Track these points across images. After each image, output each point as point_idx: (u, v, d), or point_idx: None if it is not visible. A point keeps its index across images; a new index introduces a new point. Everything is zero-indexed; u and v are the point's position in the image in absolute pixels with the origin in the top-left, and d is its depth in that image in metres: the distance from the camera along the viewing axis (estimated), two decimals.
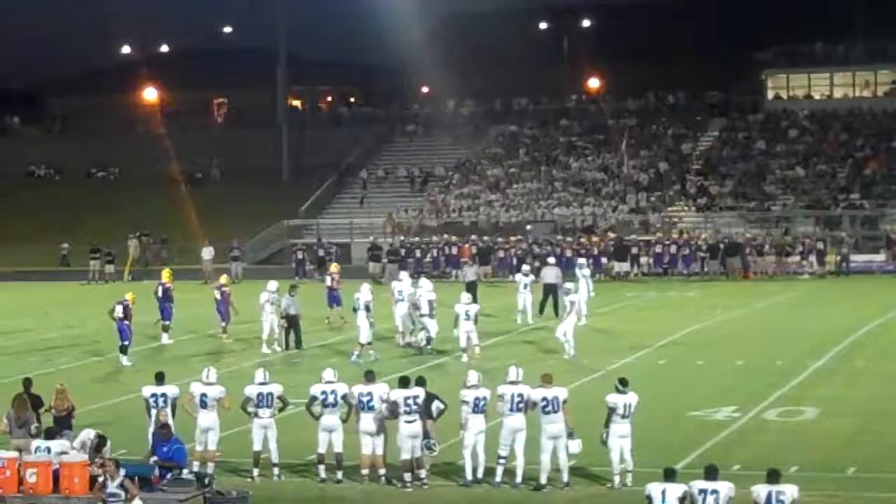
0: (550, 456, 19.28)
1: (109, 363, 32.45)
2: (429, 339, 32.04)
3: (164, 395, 20.63)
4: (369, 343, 31.51)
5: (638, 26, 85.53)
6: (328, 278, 38.85)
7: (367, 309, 31.51)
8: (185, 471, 19.26)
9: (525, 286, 37.36)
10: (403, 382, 20.02)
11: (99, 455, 18.34)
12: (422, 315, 32.05)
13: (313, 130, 78.90)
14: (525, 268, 39.18)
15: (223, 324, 35.79)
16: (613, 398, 19.37)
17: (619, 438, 19.18)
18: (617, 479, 19.24)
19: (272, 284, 34.39)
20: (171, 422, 19.97)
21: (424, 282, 33.36)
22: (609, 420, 19.23)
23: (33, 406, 20.78)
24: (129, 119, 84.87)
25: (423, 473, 19.68)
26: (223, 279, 37.06)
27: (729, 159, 64.90)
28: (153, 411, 20.55)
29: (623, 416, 19.23)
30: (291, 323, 33.33)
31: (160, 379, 20.99)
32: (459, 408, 19.70)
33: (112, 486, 17.38)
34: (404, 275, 35.83)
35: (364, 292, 32.03)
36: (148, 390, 20.82)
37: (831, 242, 52.55)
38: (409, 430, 19.61)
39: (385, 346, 33.12)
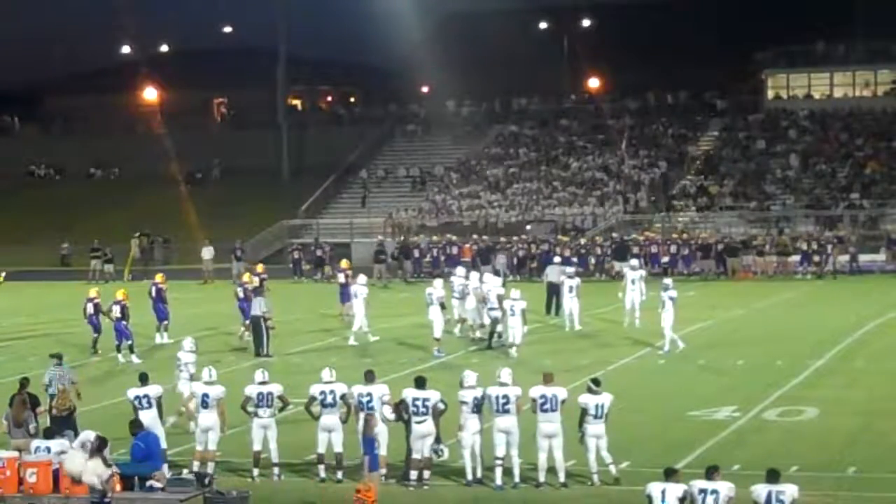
0: (547, 455, 19.31)
1: (109, 363, 32.47)
2: (499, 335, 32.16)
3: (146, 395, 20.61)
4: (437, 339, 31.72)
5: (638, 26, 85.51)
6: (340, 275, 38.94)
7: (442, 305, 31.82)
8: (184, 471, 19.32)
9: (571, 289, 35.37)
10: (419, 383, 20.04)
11: (101, 456, 18.33)
12: (491, 309, 32.18)
13: (313, 130, 78.89)
14: (569, 270, 37.10)
15: (246, 321, 35.55)
16: (585, 398, 19.41)
17: (594, 438, 19.23)
18: (595, 476, 19.30)
19: (362, 278, 34.98)
20: (140, 418, 20.06)
21: (490, 277, 33.58)
22: (582, 420, 19.28)
23: (31, 406, 20.79)
24: (129, 119, 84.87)
25: (426, 474, 19.71)
26: (246, 277, 36.93)
27: (729, 159, 64.92)
28: (140, 413, 20.55)
29: (596, 417, 19.26)
30: (255, 325, 32.57)
31: (144, 380, 20.98)
32: (459, 408, 19.71)
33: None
34: (462, 270, 35.65)
35: (437, 288, 32.29)
36: (132, 392, 20.81)
37: (833, 242, 52.47)
38: (418, 430, 19.64)
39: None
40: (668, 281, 32.69)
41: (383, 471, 19.47)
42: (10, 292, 48.81)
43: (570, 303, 35.41)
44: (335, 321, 38.68)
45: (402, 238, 56.64)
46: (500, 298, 32.22)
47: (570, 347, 32.89)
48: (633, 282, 36.05)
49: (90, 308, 34.00)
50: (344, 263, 40.39)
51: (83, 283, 54.78)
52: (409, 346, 33.61)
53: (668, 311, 31.38)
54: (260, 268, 37.52)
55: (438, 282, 33.24)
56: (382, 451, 19.84)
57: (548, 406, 19.37)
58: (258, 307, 32.63)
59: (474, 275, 34.59)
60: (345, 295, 38.73)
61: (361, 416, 19.86)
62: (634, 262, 39.14)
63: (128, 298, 32.93)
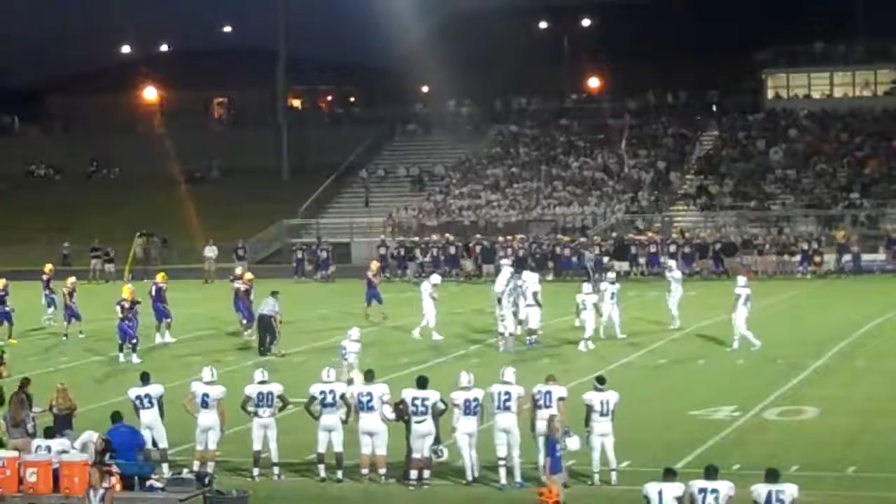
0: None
1: (109, 363, 32.46)
2: (530, 332, 32.41)
3: (147, 395, 20.59)
4: (501, 334, 32.13)
5: (638, 26, 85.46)
6: (368, 275, 38.97)
7: (499, 302, 32.08)
8: (185, 470, 19.33)
9: (612, 296, 33.87)
10: (419, 382, 20.03)
11: (103, 459, 18.33)
12: (528, 305, 32.45)
13: (313, 130, 78.84)
14: (611, 275, 36.03)
15: (244, 321, 35.53)
16: (590, 396, 19.46)
17: (600, 437, 19.24)
18: (596, 476, 19.31)
19: (435, 277, 35.64)
20: (141, 417, 20.34)
21: (529, 274, 33.86)
22: (588, 419, 19.28)
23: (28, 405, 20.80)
24: (129, 119, 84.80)
25: (426, 474, 19.71)
26: (247, 276, 36.92)
27: (729, 159, 64.92)
28: (141, 412, 20.56)
29: (602, 414, 19.26)
30: (263, 324, 32.70)
31: (145, 379, 20.95)
32: (452, 410, 19.73)
33: (95, 499, 17.49)
34: (507, 270, 35.38)
35: (499, 285, 32.55)
36: (133, 392, 20.79)
37: (829, 241, 52.58)
38: (418, 430, 19.66)
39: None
40: (741, 279, 32.68)
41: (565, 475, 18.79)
42: (10, 292, 48.82)
43: (610, 310, 33.98)
44: (336, 321, 38.63)
45: (463, 237, 56.35)
46: (536, 295, 32.52)
47: (571, 347, 32.84)
48: (674, 282, 35.92)
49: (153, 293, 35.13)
50: (374, 265, 40.46)
51: (83, 283, 54.84)
52: (410, 346, 33.60)
53: (740, 309, 31.35)
54: (239, 270, 37.81)
55: (501, 279, 33.33)
56: (382, 450, 19.86)
57: (542, 402, 19.41)
58: (268, 307, 32.72)
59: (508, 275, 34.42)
60: (372, 295, 38.61)
61: (362, 415, 19.87)
62: (672, 263, 38.95)
63: (132, 297, 32.91)
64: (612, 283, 34.56)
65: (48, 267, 40.74)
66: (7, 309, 37.38)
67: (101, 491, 17.34)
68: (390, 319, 38.31)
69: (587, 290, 32.65)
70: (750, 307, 31.71)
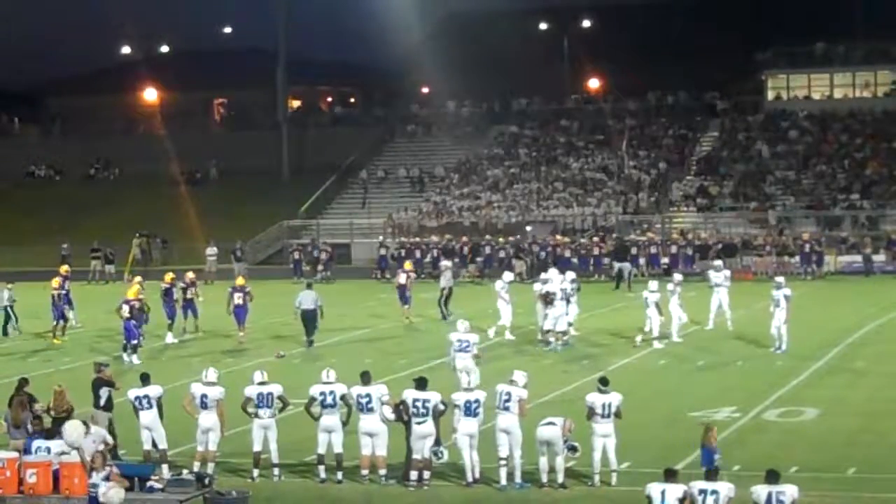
0: (547, 458, 19.33)
1: (111, 363, 32.37)
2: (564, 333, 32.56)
3: (146, 396, 20.60)
4: (559, 331, 32.30)
5: (638, 26, 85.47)
6: (402, 276, 38.90)
7: (567, 300, 32.36)
8: (184, 471, 19.32)
9: (678, 298, 33.24)
10: (419, 384, 20.01)
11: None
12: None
13: (313, 130, 78.83)
14: (678, 276, 34.75)
15: (237, 324, 35.57)
16: (592, 397, 19.48)
17: (601, 438, 19.23)
18: (597, 477, 19.31)
19: (507, 275, 35.52)
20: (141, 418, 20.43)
21: (555, 274, 33.96)
22: (590, 419, 19.32)
23: (30, 404, 20.78)
24: (129, 119, 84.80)
25: (426, 475, 19.70)
26: (241, 280, 37.01)
27: (729, 159, 64.93)
28: (140, 413, 20.55)
29: (603, 416, 19.26)
30: (308, 317, 33.52)
31: (145, 380, 20.95)
32: (452, 411, 19.72)
33: (97, 478, 17.47)
34: (553, 271, 34.98)
35: (556, 282, 32.80)
36: (132, 393, 20.79)
37: (833, 241, 52.69)
38: (418, 431, 19.65)
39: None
40: (780, 279, 32.62)
41: None
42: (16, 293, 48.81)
43: (677, 311, 33.50)
44: (335, 321, 38.59)
45: (516, 237, 56.17)
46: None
47: (571, 348, 32.84)
48: (717, 283, 35.68)
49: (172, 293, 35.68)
50: (407, 265, 40.41)
51: (83, 284, 54.83)
52: (409, 347, 33.60)
53: (782, 309, 31.23)
54: (190, 276, 38.02)
55: (558, 278, 33.32)
56: (382, 451, 19.85)
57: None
58: (311, 300, 33.42)
59: (558, 277, 34.10)
60: (403, 296, 38.56)
61: (361, 416, 19.86)
62: (718, 262, 38.65)
63: (137, 296, 32.98)
64: (679, 283, 33.87)
65: (64, 268, 40.80)
66: (63, 307, 37.23)
67: (105, 472, 17.38)
68: (389, 320, 38.32)
69: (653, 288, 32.88)
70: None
